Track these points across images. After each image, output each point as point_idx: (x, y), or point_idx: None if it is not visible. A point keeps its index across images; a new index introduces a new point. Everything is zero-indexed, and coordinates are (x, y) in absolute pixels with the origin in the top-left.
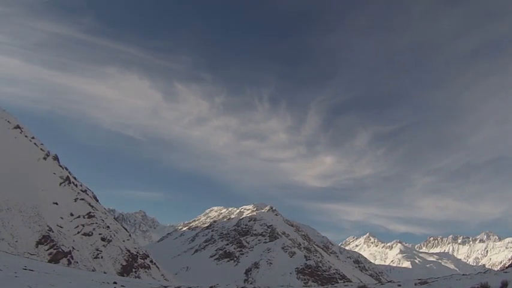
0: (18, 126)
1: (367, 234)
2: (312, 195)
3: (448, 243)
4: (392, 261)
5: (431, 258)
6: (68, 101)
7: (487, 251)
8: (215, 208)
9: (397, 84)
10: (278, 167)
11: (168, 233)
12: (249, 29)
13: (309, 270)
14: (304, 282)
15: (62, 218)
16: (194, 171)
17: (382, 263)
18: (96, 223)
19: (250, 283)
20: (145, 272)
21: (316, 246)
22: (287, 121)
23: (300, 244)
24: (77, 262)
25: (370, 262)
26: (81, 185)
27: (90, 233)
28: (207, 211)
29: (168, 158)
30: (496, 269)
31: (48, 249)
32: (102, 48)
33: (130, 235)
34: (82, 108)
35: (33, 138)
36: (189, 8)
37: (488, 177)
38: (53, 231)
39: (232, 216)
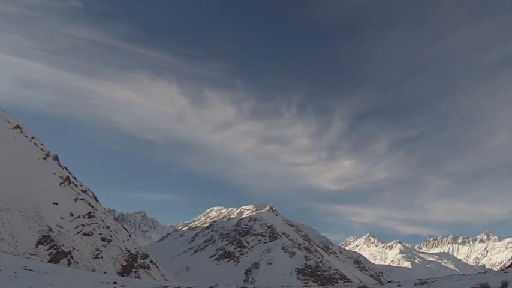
0: (18, 126)
1: (367, 234)
2: (326, 198)
3: (448, 244)
4: (392, 261)
5: (431, 259)
6: (89, 105)
7: (487, 251)
8: (215, 208)
9: (420, 92)
10: (296, 170)
11: (168, 233)
12: (283, 38)
13: (309, 270)
14: (304, 283)
15: (62, 218)
16: (209, 174)
17: (382, 263)
18: (96, 223)
19: (250, 283)
20: (145, 272)
21: (316, 247)
22: (312, 127)
23: (300, 244)
24: (77, 262)
25: (370, 262)
26: (81, 185)
27: (90, 233)
28: (207, 211)
29: (184, 162)
30: (496, 269)
31: (48, 249)
32: (134, 54)
33: (130, 235)
34: (103, 112)
35: (33, 138)
36: (224, 17)
37: (498, 180)
38: (53, 231)
39: (232, 216)
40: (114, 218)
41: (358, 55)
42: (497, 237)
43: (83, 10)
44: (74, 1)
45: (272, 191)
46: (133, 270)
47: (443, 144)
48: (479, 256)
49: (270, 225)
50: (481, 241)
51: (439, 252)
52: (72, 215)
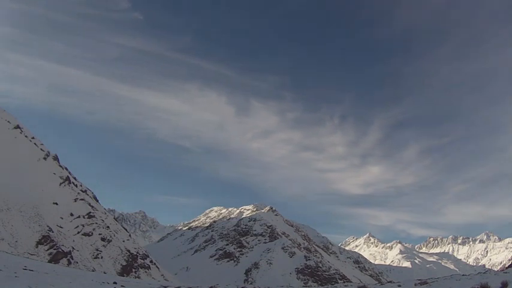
0: (18, 126)
1: (367, 234)
2: (349, 202)
3: (448, 244)
4: (392, 261)
5: (431, 259)
6: (125, 113)
7: (487, 252)
8: (215, 208)
9: (455, 104)
10: (325, 176)
11: (168, 233)
12: (336, 53)
13: (309, 270)
14: (304, 283)
15: (62, 218)
16: (237, 179)
17: (382, 263)
18: (96, 223)
19: (250, 283)
20: (145, 272)
21: (316, 247)
22: (349, 135)
23: (300, 244)
24: (77, 262)
25: (370, 262)
26: (81, 185)
27: (90, 233)
28: (207, 211)
29: (214, 167)
30: (496, 270)
31: (48, 249)
32: (187, 65)
33: (130, 235)
34: (139, 119)
35: (33, 138)
36: (278, 33)
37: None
38: (53, 231)
39: (232, 216)
40: (114, 218)
41: (404, 70)
42: (497, 238)
43: (143, 22)
44: (136, 13)
45: (295, 195)
46: (133, 270)
47: (469, 152)
48: (479, 256)
49: (270, 225)
50: (481, 241)
51: (439, 253)
52: (72, 215)
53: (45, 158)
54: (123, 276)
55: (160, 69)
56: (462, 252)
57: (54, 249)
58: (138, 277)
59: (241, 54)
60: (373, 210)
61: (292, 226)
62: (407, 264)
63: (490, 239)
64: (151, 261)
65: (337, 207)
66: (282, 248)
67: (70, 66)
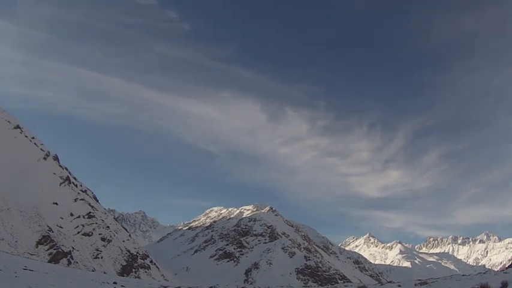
0: (18, 126)
1: (368, 234)
2: (365, 204)
3: (448, 244)
4: (392, 261)
5: (431, 259)
6: (155, 118)
7: (487, 252)
8: (215, 208)
9: (476, 112)
10: (345, 180)
11: (168, 233)
12: (370, 65)
13: (309, 270)
14: (304, 283)
15: (62, 218)
16: (259, 183)
17: (382, 263)
18: (96, 223)
19: (250, 283)
20: (145, 272)
21: (316, 247)
22: (376, 142)
23: (300, 244)
24: (77, 262)
25: (370, 262)
26: (81, 185)
27: (90, 233)
28: (207, 211)
29: (237, 172)
30: (496, 270)
31: (48, 249)
32: (226, 74)
33: (130, 235)
34: (168, 124)
35: (33, 138)
36: (315, 45)
37: None
38: (53, 231)
39: (232, 216)
40: (114, 218)
41: (433, 80)
42: (497, 238)
43: (189, 32)
44: (184, 24)
45: (313, 199)
46: (133, 270)
47: (485, 157)
48: (479, 256)
49: (270, 226)
50: (481, 241)
51: (439, 253)
52: (72, 215)
53: (45, 158)
54: (123, 276)
55: (199, 77)
56: (462, 253)
57: (54, 249)
58: (138, 277)
59: (278, 64)
60: (387, 213)
61: (292, 226)
62: (407, 264)
63: (490, 239)
64: (151, 261)
65: (353, 210)
66: (282, 248)
67: (104, 73)
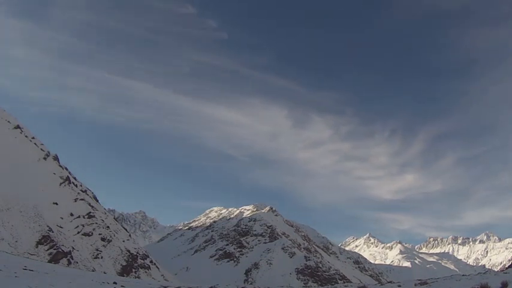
0: (18, 126)
1: (368, 234)
2: (378, 206)
3: (448, 244)
4: (392, 261)
5: (431, 259)
6: (179, 122)
7: (487, 252)
8: (215, 208)
9: (494, 119)
10: (362, 183)
11: (168, 233)
12: (399, 74)
13: (309, 270)
14: (304, 283)
15: (62, 218)
16: (272, 186)
17: (382, 263)
18: (96, 223)
19: (250, 283)
20: (145, 272)
21: (316, 247)
22: (395, 147)
23: (300, 244)
24: (77, 262)
25: (370, 262)
26: (81, 185)
27: (90, 233)
28: (207, 211)
29: (254, 175)
30: (496, 270)
31: (48, 249)
32: (257, 81)
33: (130, 235)
34: (191, 128)
35: (33, 138)
36: (347, 56)
37: None
38: (53, 231)
39: (232, 216)
40: (114, 218)
41: (458, 88)
42: (497, 238)
43: (227, 41)
44: (222, 32)
45: (326, 201)
46: (133, 270)
47: (499, 162)
48: (479, 256)
49: (270, 226)
50: (481, 242)
51: (439, 253)
52: (72, 215)
53: (45, 158)
54: (123, 276)
55: (229, 83)
56: (462, 253)
57: (54, 249)
58: (138, 277)
59: (309, 72)
60: (396, 215)
61: (292, 226)
62: (407, 264)
63: (490, 239)
64: (151, 261)
65: (364, 212)
66: (282, 248)
67: (133, 78)
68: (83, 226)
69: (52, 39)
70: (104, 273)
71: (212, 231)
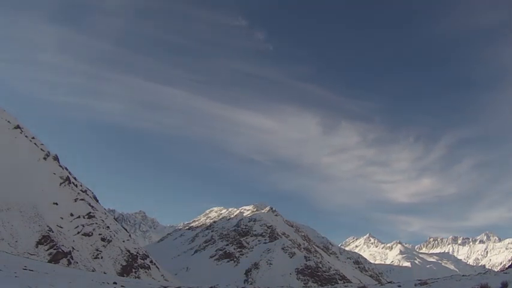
0: (18, 126)
1: (368, 234)
2: (392, 209)
3: (448, 244)
4: (392, 261)
5: (431, 259)
6: (209, 127)
7: (487, 252)
8: (215, 209)
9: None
10: (379, 187)
11: (168, 234)
12: (427, 82)
13: (309, 270)
14: (304, 283)
15: (62, 218)
16: (291, 189)
17: (382, 263)
18: (96, 223)
19: (250, 283)
20: (145, 272)
21: (316, 247)
22: (417, 152)
23: (300, 245)
24: (77, 262)
25: (370, 263)
26: (81, 185)
27: (90, 233)
28: (207, 211)
29: (273, 179)
30: (496, 270)
31: (48, 250)
32: (293, 89)
33: (130, 235)
34: (220, 134)
35: (33, 138)
36: (386, 64)
37: None
38: (52, 232)
39: (232, 216)
40: (114, 218)
41: (484, 99)
42: (497, 238)
43: (272, 52)
44: (268, 44)
45: (343, 204)
46: (133, 270)
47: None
48: (480, 257)
49: (270, 226)
50: (481, 242)
51: (439, 253)
52: (72, 215)
53: (45, 158)
54: (123, 276)
55: (267, 92)
56: (462, 253)
57: (54, 249)
58: (138, 277)
59: (345, 82)
60: (410, 218)
61: (292, 226)
62: (407, 264)
63: (490, 240)
64: (151, 262)
65: (378, 214)
66: (282, 249)
67: (168, 84)
68: (83, 226)
69: (87, 45)
70: (104, 273)
71: (212, 231)
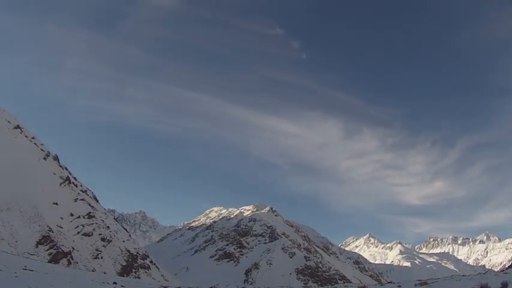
0: (18, 126)
1: (368, 234)
2: (403, 211)
3: (448, 244)
4: (392, 261)
5: (431, 259)
6: (231, 132)
7: (487, 252)
8: (215, 209)
9: None
10: (392, 189)
11: (168, 234)
12: (450, 89)
13: (309, 270)
14: (304, 283)
15: (62, 218)
16: (307, 192)
17: (382, 263)
18: (96, 223)
19: (250, 284)
20: (145, 272)
21: (316, 247)
22: (432, 156)
23: (300, 245)
24: (77, 262)
25: (370, 263)
26: (81, 185)
27: (90, 233)
28: (207, 211)
29: (289, 182)
30: (496, 270)
31: (48, 250)
32: (321, 96)
33: (130, 235)
34: (241, 138)
35: (33, 138)
36: (412, 73)
37: None
38: (52, 232)
39: (232, 216)
40: (114, 218)
41: (504, 108)
42: (497, 238)
43: (304, 60)
44: (302, 53)
45: (355, 205)
46: (133, 270)
47: None
48: (480, 257)
49: (270, 226)
50: (481, 242)
51: (439, 253)
52: (72, 215)
53: (45, 158)
54: (123, 276)
55: (295, 98)
56: (462, 253)
57: (54, 249)
58: (138, 277)
59: (371, 89)
60: (418, 219)
61: (292, 226)
62: (407, 264)
63: (490, 240)
64: (151, 262)
65: (388, 216)
66: (282, 249)
67: (195, 90)
68: (83, 226)
69: (116, 50)
70: (104, 273)
71: (212, 231)
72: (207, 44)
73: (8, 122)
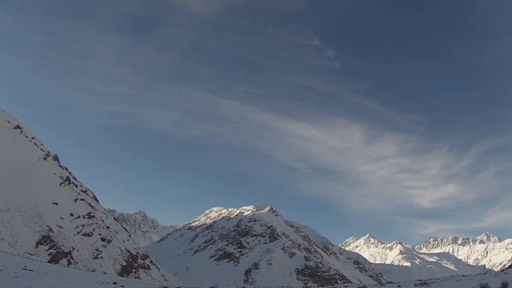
0: (18, 126)
1: (368, 234)
2: (414, 213)
3: (448, 244)
4: (392, 261)
5: (431, 259)
6: (252, 136)
7: (487, 252)
8: (215, 209)
9: None
10: (406, 192)
11: (168, 234)
12: (470, 94)
13: (309, 271)
14: (304, 283)
15: (62, 218)
16: (322, 194)
17: (382, 263)
18: (96, 223)
19: (250, 284)
20: (145, 272)
21: (316, 247)
22: (448, 161)
23: (300, 245)
24: (77, 262)
25: (370, 263)
26: (81, 185)
27: (90, 233)
28: (207, 211)
29: (308, 185)
30: (496, 270)
31: (48, 250)
32: (348, 102)
33: (130, 235)
34: (262, 142)
35: (33, 138)
36: (434, 80)
37: None
38: (53, 232)
39: (232, 216)
40: (114, 218)
41: None
42: (497, 238)
43: (337, 69)
44: (336, 62)
45: (369, 207)
46: (133, 270)
47: None
48: (480, 257)
49: (270, 226)
50: (481, 242)
51: (439, 253)
52: (72, 215)
53: (45, 158)
54: (123, 276)
55: (321, 105)
56: (462, 253)
57: (54, 250)
58: (138, 277)
59: (396, 96)
60: (427, 221)
61: (292, 227)
62: (407, 264)
63: (490, 240)
64: (151, 262)
65: (400, 218)
66: (282, 249)
67: (223, 96)
68: (83, 226)
69: (148, 57)
70: (104, 273)
71: (212, 231)
72: (241, 52)
73: (8, 122)
